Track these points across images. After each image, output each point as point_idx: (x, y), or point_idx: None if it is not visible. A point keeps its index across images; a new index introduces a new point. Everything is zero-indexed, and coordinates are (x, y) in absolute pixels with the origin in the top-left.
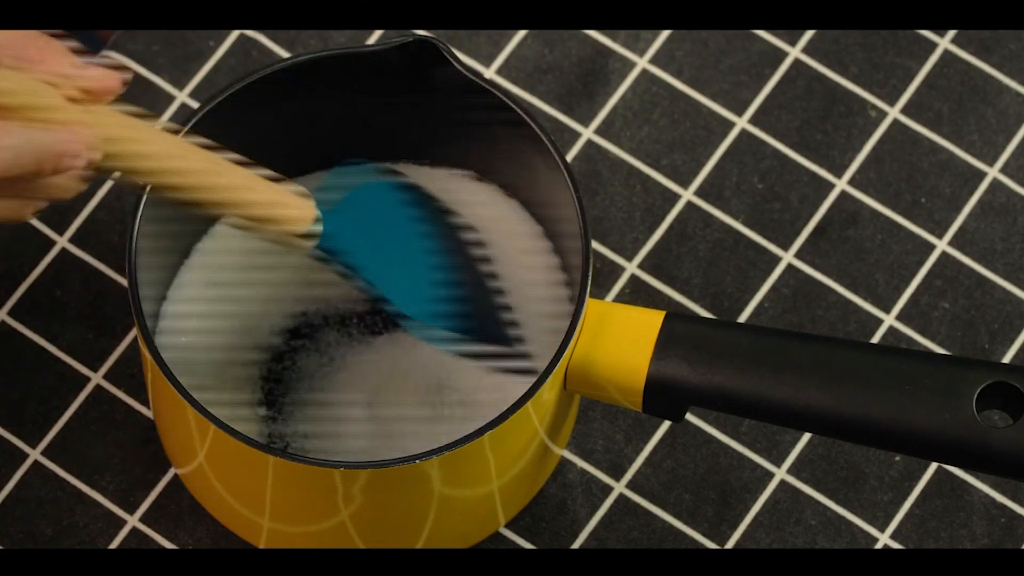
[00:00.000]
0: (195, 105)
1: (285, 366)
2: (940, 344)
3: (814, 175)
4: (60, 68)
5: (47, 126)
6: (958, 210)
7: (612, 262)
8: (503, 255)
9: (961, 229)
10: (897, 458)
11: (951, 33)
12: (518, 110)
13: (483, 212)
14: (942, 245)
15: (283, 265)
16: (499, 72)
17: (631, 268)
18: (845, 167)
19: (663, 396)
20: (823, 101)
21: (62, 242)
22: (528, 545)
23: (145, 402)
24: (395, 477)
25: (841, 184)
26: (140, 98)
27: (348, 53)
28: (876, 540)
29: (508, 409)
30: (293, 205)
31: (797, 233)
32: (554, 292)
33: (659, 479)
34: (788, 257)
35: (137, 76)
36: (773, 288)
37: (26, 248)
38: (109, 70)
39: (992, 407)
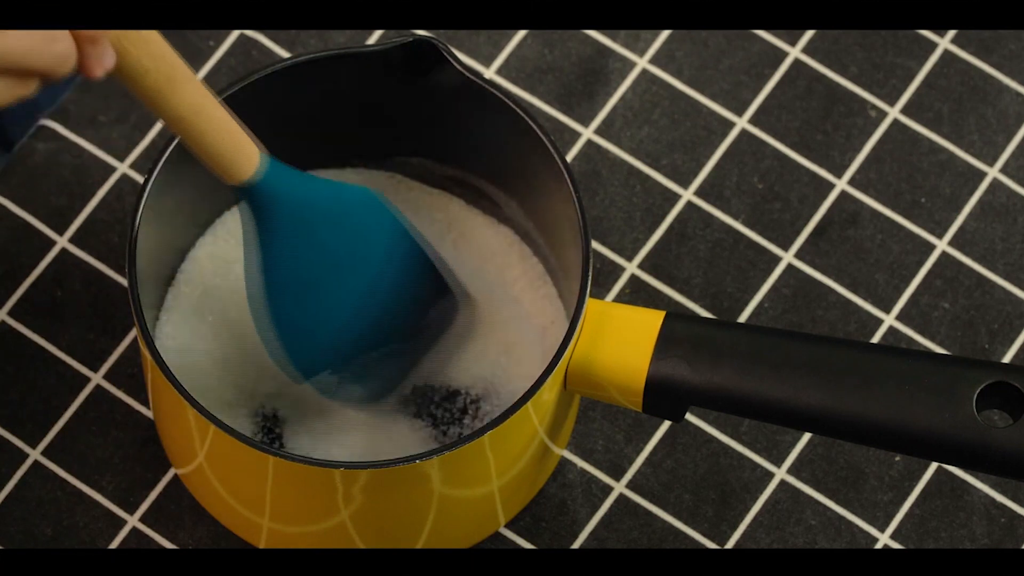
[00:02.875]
0: None
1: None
2: (940, 344)
3: (814, 175)
4: None
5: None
6: (958, 210)
7: (612, 262)
8: (490, 262)
9: (961, 229)
10: (897, 458)
11: (951, 33)
12: (518, 110)
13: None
14: (942, 245)
15: None
16: (499, 72)
17: (631, 268)
18: (845, 167)
19: (663, 396)
20: (823, 101)
21: (62, 242)
22: (528, 545)
23: (145, 402)
24: (395, 477)
25: (841, 184)
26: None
27: (348, 53)
28: (876, 540)
29: (508, 409)
30: (244, 146)
31: (797, 233)
32: (545, 296)
33: (659, 479)
34: (788, 257)
35: None
36: (773, 288)
37: (26, 248)
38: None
39: (992, 407)
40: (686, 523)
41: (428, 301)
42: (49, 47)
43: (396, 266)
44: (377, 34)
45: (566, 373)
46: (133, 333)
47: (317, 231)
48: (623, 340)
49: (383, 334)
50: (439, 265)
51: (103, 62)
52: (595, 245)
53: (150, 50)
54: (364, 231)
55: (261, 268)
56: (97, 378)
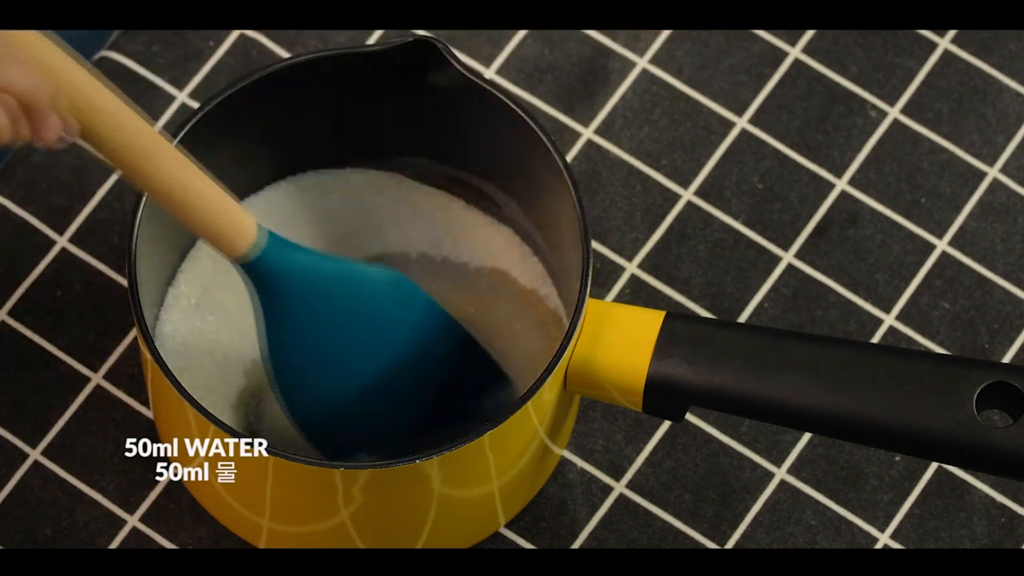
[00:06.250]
0: (195, 105)
1: None
2: (940, 344)
3: (814, 175)
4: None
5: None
6: (958, 210)
7: (612, 262)
8: (489, 259)
9: (961, 229)
10: (897, 458)
11: (951, 33)
12: (518, 110)
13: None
14: (942, 245)
15: None
16: (499, 72)
17: (631, 268)
18: (845, 167)
19: (663, 396)
20: (823, 101)
21: (62, 242)
22: (528, 545)
23: (145, 402)
24: (395, 477)
25: (841, 184)
26: (140, 98)
27: (348, 53)
28: (876, 540)
29: (508, 409)
30: (238, 221)
31: (797, 233)
32: (545, 296)
33: (659, 479)
34: (788, 257)
35: (137, 76)
36: (773, 288)
37: (26, 248)
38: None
39: (992, 407)
40: (686, 523)
41: (472, 383)
42: None
43: (425, 346)
44: (377, 34)
45: (566, 373)
46: (133, 333)
47: (324, 309)
48: (623, 340)
49: (414, 410)
50: (482, 347)
51: (49, 134)
52: (595, 245)
53: (121, 124)
54: (383, 310)
55: (267, 345)
56: (97, 378)
